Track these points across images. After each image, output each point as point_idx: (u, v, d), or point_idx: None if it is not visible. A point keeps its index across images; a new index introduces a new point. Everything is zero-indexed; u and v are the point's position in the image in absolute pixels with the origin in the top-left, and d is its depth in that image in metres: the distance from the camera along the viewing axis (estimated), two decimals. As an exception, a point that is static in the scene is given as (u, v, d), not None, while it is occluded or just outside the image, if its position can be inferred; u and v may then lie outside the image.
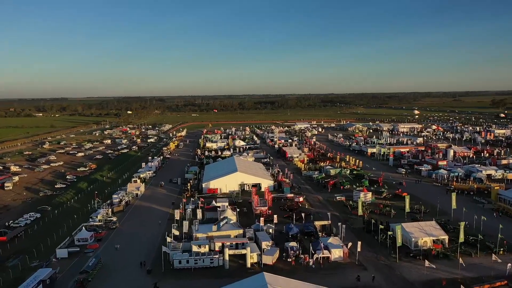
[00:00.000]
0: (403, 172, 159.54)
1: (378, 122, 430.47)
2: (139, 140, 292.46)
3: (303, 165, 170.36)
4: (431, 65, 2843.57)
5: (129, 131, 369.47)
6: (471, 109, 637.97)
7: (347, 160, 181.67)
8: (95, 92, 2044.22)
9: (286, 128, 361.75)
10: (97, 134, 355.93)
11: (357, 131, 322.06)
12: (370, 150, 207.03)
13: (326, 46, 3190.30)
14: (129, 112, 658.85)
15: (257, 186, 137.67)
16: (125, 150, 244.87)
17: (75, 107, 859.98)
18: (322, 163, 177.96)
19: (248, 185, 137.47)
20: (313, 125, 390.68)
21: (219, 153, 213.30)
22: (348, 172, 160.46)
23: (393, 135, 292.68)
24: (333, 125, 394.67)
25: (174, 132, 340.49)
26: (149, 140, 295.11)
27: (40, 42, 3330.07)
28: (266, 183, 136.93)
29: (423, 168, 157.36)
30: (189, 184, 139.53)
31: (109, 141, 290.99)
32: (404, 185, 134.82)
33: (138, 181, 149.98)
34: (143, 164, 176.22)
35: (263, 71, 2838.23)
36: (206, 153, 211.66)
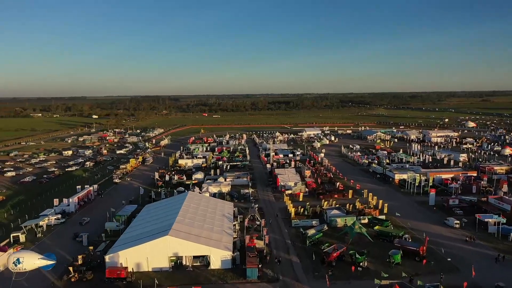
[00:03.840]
0: (457, 226, 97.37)
1: (402, 127, 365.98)
2: (105, 151, 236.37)
3: (293, 208, 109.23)
4: (455, 63, 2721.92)
5: (108, 137, 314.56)
6: (507, 111, 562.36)
7: (365, 196, 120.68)
8: (114, 91, 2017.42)
9: (292, 135, 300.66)
10: (69, 141, 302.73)
11: (378, 141, 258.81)
12: (398, 176, 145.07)
13: (345, 44, 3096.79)
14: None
15: (203, 259, 78.81)
16: (74, 168, 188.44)
17: (81, 106, 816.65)
18: (325, 201, 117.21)
19: (188, 259, 78.56)
20: (326, 131, 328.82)
21: (184, 177, 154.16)
22: (365, 221, 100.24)
23: (426, 147, 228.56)
24: (349, 131, 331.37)
25: (154, 141, 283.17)
26: (118, 151, 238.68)
27: (61, 41, 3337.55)
28: (219, 255, 77.54)
29: (491, 221, 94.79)
30: (81, 257, 79.60)
31: (69, 152, 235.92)
32: (473, 275, 71.76)
33: (23, 237, 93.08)
34: (56, 201, 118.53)
35: (280, 70, 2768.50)
36: (167, 177, 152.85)
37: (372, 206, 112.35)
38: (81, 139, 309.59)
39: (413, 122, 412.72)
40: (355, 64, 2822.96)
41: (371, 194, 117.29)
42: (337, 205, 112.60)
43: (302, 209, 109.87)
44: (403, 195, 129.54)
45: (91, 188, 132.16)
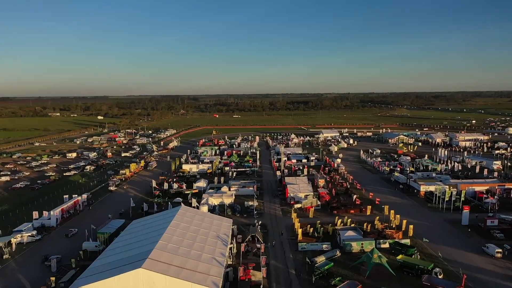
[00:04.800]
0: (499, 255, 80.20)
1: (426, 129, 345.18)
2: (110, 154, 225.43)
3: (300, 229, 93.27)
4: (480, 62, 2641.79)
5: (117, 138, 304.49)
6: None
7: (386, 212, 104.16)
8: (136, 91, 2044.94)
9: (308, 138, 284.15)
10: (77, 142, 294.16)
11: (401, 145, 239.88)
12: (423, 188, 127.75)
13: (367, 43, 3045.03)
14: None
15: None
16: (73, 172, 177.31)
17: (99, 106, 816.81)
18: (339, 219, 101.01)
19: (166, 296, 64.45)
20: (344, 134, 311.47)
21: (184, 186, 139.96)
22: (386, 245, 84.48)
23: (454, 152, 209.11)
24: (369, 134, 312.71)
25: (162, 143, 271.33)
26: (123, 154, 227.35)
27: (86, 42, 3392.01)
28: (204, 293, 63.10)
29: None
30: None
31: (73, 155, 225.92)
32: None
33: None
34: (35, 214, 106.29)
35: (300, 70, 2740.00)
36: (166, 185, 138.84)
37: (394, 226, 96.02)
38: (90, 140, 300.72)
39: (437, 124, 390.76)
40: (376, 63, 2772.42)
41: (393, 211, 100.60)
42: (353, 224, 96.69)
43: (312, 229, 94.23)
44: (431, 211, 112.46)
45: (79, 198, 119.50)
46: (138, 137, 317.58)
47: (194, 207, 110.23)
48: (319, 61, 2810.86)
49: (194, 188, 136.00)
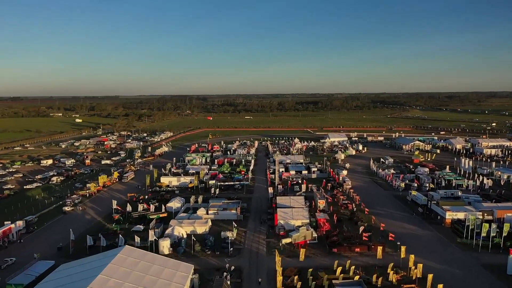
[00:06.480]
0: None
1: (443, 133, 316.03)
2: (88, 161, 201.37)
3: (281, 277, 67.09)
4: (493, 62, 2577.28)
5: (106, 142, 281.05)
6: None
7: (402, 255, 77.35)
8: (147, 91, 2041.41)
9: (313, 143, 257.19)
10: (63, 146, 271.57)
11: (417, 152, 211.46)
12: (449, 215, 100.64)
13: (378, 43, 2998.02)
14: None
15: None
16: (36, 185, 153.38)
17: (104, 106, 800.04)
18: (339, 266, 74.63)
19: None
20: (353, 138, 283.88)
21: (152, 207, 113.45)
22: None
23: (479, 162, 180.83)
24: (380, 138, 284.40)
25: (150, 149, 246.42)
26: (104, 162, 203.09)
27: (93, 44, 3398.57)
28: None
29: None
30: None
31: (48, 162, 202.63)
32: None
33: None
34: None
35: (311, 69, 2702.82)
36: (129, 206, 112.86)
37: (414, 278, 69.58)
38: (76, 143, 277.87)
39: (454, 127, 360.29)
40: (388, 63, 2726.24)
41: (412, 256, 73.82)
42: (356, 277, 70.21)
43: (300, 282, 68.09)
44: (461, 249, 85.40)
45: (12, 225, 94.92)
46: (130, 140, 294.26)
47: (151, 241, 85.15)
48: (331, 60, 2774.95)
49: (162, 210, 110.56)
